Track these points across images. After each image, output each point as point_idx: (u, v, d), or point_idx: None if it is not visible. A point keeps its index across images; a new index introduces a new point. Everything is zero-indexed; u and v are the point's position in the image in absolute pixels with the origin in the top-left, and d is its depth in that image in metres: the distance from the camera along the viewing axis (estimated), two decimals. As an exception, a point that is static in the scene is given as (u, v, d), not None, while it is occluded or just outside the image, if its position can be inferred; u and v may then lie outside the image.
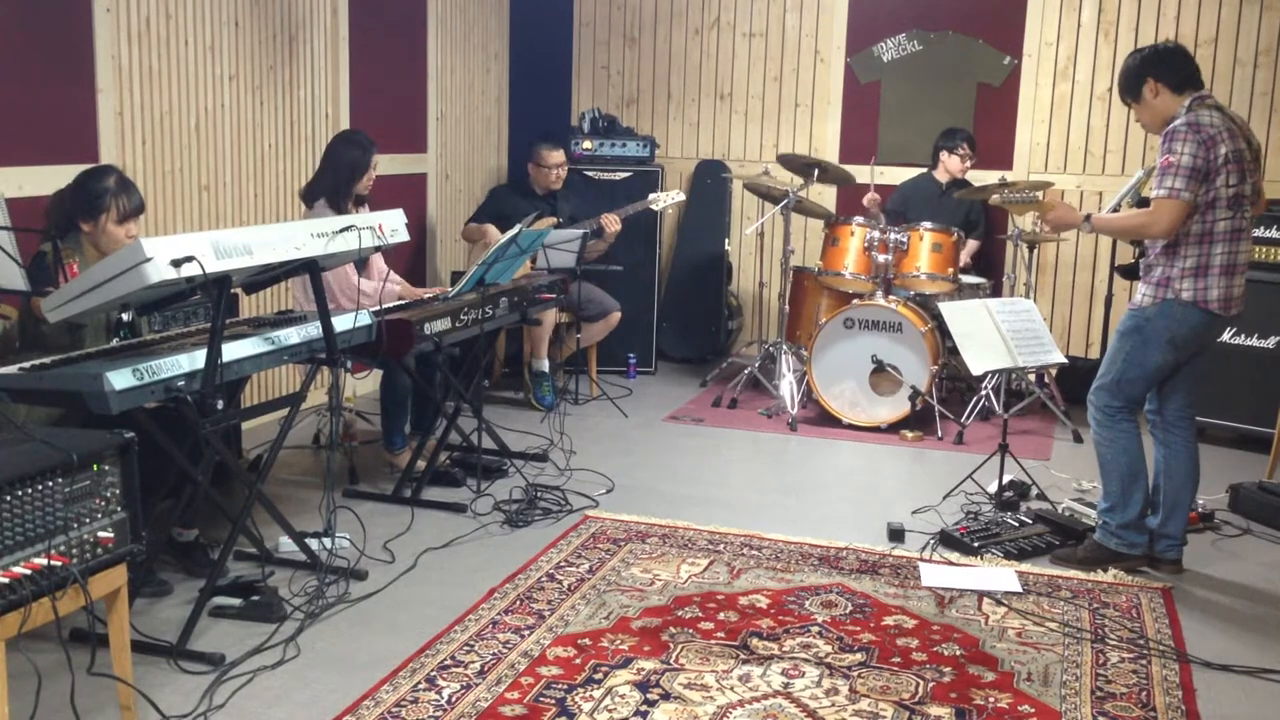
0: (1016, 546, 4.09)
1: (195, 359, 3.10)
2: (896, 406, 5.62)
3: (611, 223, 6.13)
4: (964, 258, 6.31)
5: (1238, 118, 3.76)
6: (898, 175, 6.79)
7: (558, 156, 6.20)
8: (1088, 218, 3.95)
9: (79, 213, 3.55)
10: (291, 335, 3.54)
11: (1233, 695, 3.12)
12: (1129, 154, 6.63)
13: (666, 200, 6.29)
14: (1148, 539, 3.94)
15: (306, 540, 3.77)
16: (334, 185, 4.71)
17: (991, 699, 3.02)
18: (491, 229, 6.00)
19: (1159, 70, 3.79)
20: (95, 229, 3.55)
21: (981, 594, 3.71)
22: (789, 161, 6.09)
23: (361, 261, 4.84)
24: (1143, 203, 4.67)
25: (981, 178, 6.40)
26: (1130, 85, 3.85)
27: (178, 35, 4.79)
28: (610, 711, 2.89)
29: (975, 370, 4.49)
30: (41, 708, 2.68)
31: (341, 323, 3.72)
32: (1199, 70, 3.84)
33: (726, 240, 7.27)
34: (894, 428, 5.62)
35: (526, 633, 3.34)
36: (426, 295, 4.87)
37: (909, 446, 5.48)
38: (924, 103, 6.93)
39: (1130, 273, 5.33)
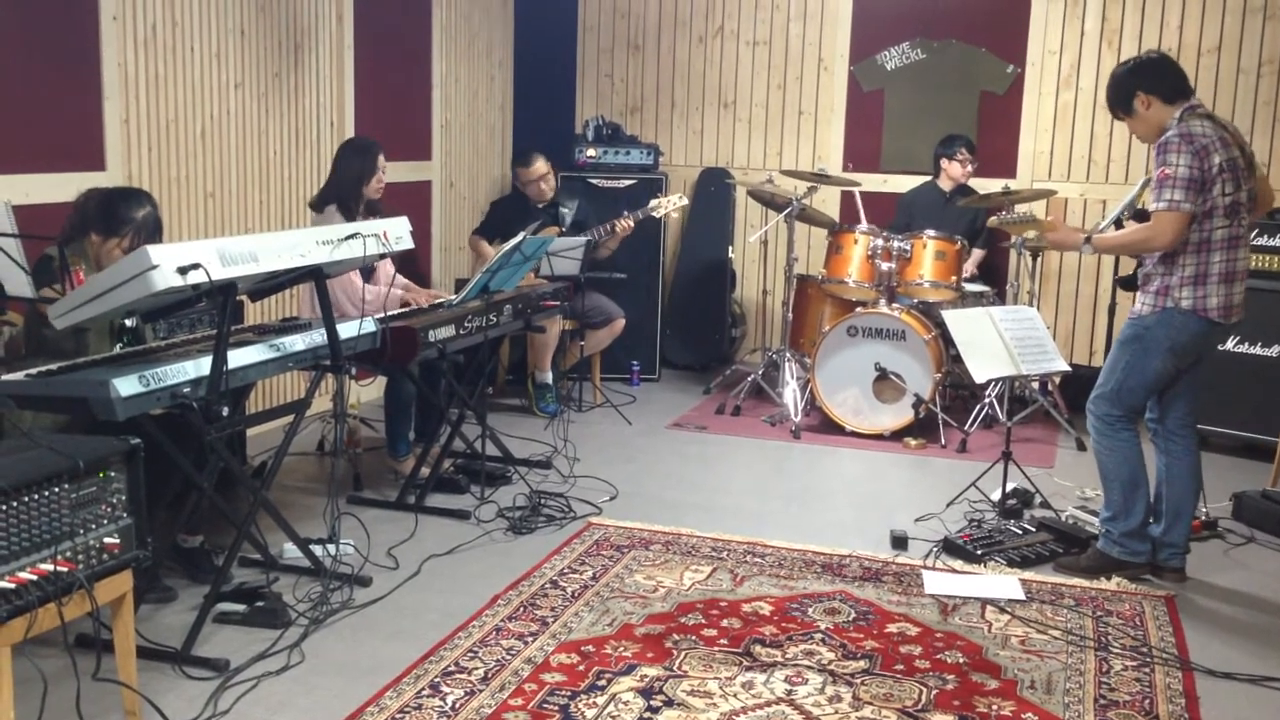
0: (1020, 554, 4.09)
1: (201, 366, 3.11)
2: (900, 414, 5.63)
3: (625, 227, 6.07)
4: (970, 267, 6.31)
5: (1230, 126, 3.76)
6: (902, 184, 6.80)
7: (534, 171, 6.06)
8: (1088, 240, 3.91)
9: (96, 224, 3.55)
10: (296, 342, 3.55)
11: (1236, 703, 3.12)
12: (1132, 162, 6.63)
13: (668, 205, 6.17)
14: (1150, 547, 3.93)
15: (311, 546, 3.77)
16: (343, 191, 4.75)
17: (995, 707, 3.02)
18: (486, 247, 6.04)
19: (1148, 82, 3.76)
20: (102, 246, 3.55)
21: (985, 601, 3.71)
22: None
23: (369, 269, 4.86)
24: (1140, 215, 4.66)
25: (985, 186, 6.41)
26: (1120, 99, 3.82)
27: (184, 43, 4.81)
28: (614, 718, 2.89)
29: (978, 378, 4.49)
30: (47, 713, 2.69)
31: (346, 330, 3.73)
32: (1187, 78, 3.83)
33: (730, 248, 7.27)
34: (897, 435, 5.63)
35: (530, 639, 3.34)
36: (428, 299, 4.87)
37: (912, 454, 5.49)
38: (927, 111, 6.94)
39: (1129, 284, 5.33)
